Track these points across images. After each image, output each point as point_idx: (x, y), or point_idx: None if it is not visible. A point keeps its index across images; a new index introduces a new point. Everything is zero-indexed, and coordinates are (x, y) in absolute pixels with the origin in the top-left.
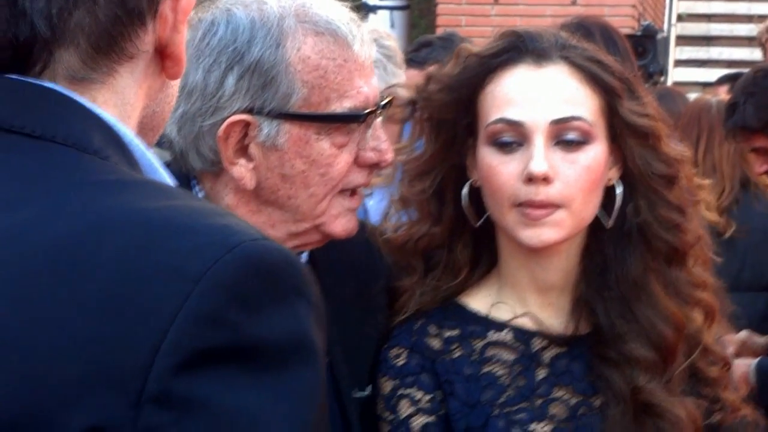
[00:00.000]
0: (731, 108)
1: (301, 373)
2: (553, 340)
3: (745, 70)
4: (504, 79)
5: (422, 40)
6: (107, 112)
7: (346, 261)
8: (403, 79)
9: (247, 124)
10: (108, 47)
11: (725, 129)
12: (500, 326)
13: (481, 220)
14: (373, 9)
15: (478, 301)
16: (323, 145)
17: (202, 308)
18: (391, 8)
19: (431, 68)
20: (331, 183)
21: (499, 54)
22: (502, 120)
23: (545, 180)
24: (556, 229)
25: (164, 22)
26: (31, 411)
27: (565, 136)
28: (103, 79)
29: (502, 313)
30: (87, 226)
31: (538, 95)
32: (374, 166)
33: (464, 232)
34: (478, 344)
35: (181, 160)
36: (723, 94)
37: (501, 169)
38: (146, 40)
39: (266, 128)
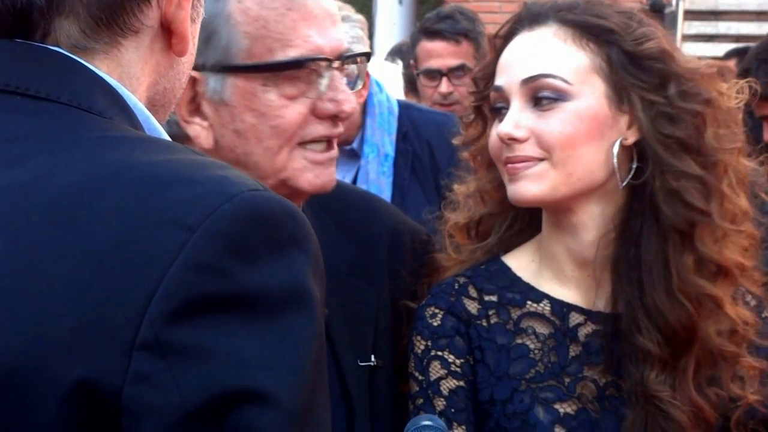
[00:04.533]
0: (743, 75)
1: (296, 322)
2: (590, 316)
3: (753, 45)
4: (504, 49)
5: (441, 13)
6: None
7: (342, 229)
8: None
9: (194, 81)
10: (109, 19)
11: None
12: (539, 296)
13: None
14: None
15: (522, 267)
16: (270, 96)
17: (198, 257)
18: None
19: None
20: (285, 135)
21: (507, 28)
22: (491, 88)
23: (516, 140)
24: (538, 183)
25: None
26: (26, 362)
27: (539, 94)
28: (105, 50)
29: (542, 283)
30: (88, 179)
31: (516, 59)
32: (334, 118)
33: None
34: (515, 313)
35: None
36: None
37: (492, 133)
38: (150, 16)
39: (212, 83)
